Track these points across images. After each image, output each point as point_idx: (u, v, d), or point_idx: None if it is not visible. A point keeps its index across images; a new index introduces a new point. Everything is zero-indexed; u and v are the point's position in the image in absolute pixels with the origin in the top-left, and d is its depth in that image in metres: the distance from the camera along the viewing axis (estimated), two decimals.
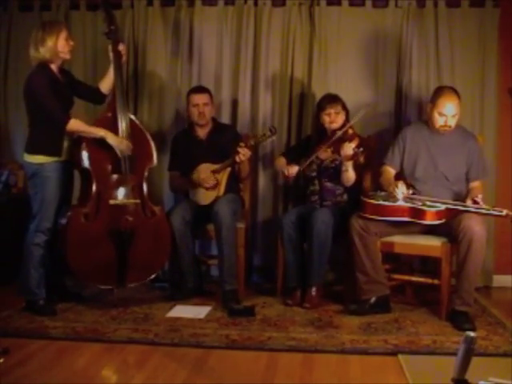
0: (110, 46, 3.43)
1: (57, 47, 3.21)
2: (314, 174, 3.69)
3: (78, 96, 3.49)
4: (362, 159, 3.40)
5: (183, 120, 4.10)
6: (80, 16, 4.16)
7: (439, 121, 3.31)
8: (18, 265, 3.29)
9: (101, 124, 3.34)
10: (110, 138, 3.27)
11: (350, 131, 3.45)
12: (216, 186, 3.65)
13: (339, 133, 3.46)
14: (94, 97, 3.55)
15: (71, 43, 3.30)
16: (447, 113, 3.28)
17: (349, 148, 3.36)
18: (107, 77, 3.47)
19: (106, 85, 3.48)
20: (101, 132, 3.26)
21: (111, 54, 3.42)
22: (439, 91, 3.36)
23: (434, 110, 3.32)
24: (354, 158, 3.38)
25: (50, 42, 3.19)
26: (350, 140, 3.38)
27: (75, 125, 3.20)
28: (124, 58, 3.50)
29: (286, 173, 3.61)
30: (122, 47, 3.45)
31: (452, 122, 3.31)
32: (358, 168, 3.51)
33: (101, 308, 3.35)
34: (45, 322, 3.09)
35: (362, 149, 3.34)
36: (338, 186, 3.63)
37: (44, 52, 3.19)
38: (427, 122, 3.45)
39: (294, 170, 3.60)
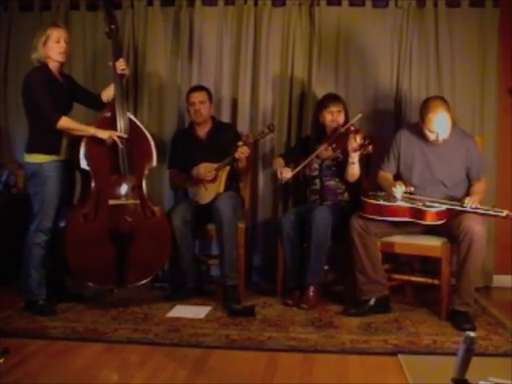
0: (110, 62, 3.42)
1: (47, 52, 3.22)
2: (316, 173, 3.69)
3: (77, 101, 3.50)
4: (370, 149, 3.33)
5: (183, 120, 4.11)
6: (80, 16, 4.16)
7: (431, 136, 3.26)
8: (18, 265, 3.29)
9: (100, 124, 3.34)
10: (101, 133, 3.26)
11: (353, 127, 3.44)
12: (215, 179, 3.65)
13: (341, 129, 3.45)
14: (93, 104, 3.54)
15: (63, 45, 3.26)
16: (437, 129, 3.22)
17: (355, 140, 3.34)
18: (109, 87, 3.45)
19: (106, 94, 3.48)
20: (91, 130, 3.26)
21: (111, 64, 3.41)
22: (426, 106, 3.25)
23: (423, 126, 3.26)
24: (361, 148, 3.33)
25: (40, 46, 3.21)
26: (355, 134, 3.37)
27: (66, 123, 3.19)
28: (127, 71, 3.46)
29: (279, 175, 3.61)
30: (121, 63, 3.40)
31: (444, 135, 3.25)
32: (362, 163, 3.48)
33: (101, 308, 3.35)
34: (45, 322, 3.09)
35: (368, 140, 3.32)
36: (340, 184, 3.63)
37: (36, 56, 3.22)
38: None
39: (287, 174, 3.59)
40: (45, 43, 3.22)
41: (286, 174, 3.60)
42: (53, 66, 3.27)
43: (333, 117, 3.58)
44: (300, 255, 3.54)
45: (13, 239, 3.48)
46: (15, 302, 3.33)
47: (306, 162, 3.56)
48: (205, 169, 3.65)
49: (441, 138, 3.25)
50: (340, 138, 3.45)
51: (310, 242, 3.42)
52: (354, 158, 3.42)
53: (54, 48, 3.24)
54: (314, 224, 3.39)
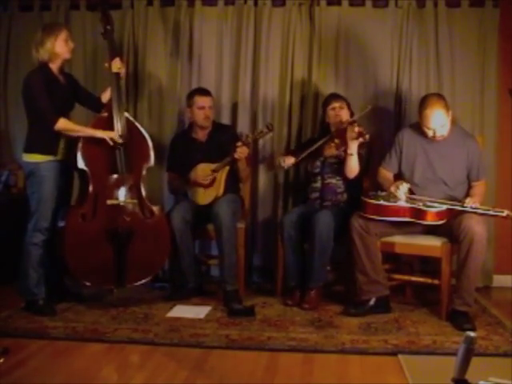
0: (106, 63, 3.43)
1: (55, 48, 3.22)
2: (317, 170, 3.69)
3: (78, 101, 3.50)
4: (367, 137, 3.38)
5: (183, 120, 4.10)
6: (80, 16, 4.17)
7: (429, 133, 3.27)
8: (17, 265, 3.29)
9: (98, 124, 3.34)
10: (99, 133, 3.27)
11: (353, 118, 3.53)
12: (213, 183, 3.65)
13: (343, 125, 3.50)
14: (93, 105, 3.55)
15: (71, 45, 3.31)
16: (434, 126, 3.23)
17: (353, 129, 3.37)
18: (108, 89, 3.46)
19: (105, 96, 3.49)
20: (88, 131, 3.27)
21: (107, 65, 3.42)
22: (423, 102, 3.26)
23: (421, 122, 3.28)
24: (359, 136, 3.36)
25: (48, 44, 3.21)
26: (353, 124, 3.42)
27: (63, 124, 3.19)
28: (123, 71, 3.47)
29: (282, 163, 3.67)
30: (117, 63, 3.41)
31: (443, 132, 3.26)
32: (363, 160, 3.51)
33: (101, 308, 3.36)
34: (45, 322, 3.09)
35: (366, 131, 3.38)
36: (340, 183, 3.62)
37: (43, 53, 3.22)
38: None
39: (289, 160, 3.66)
40: (54, 42, 3.22)
41: (289, 160, 3.66)
42: (55, 64, 3.27)
43: (335, 112, 3.62)
44: (301, 255, 3.54)
45: (13, 239, 3.47)
46: (15, 301, 3.33)
47: (311, 148, 3.58)
48: (202, 172, 3.65)
49: (438, 134, 3.26)
50: (341, 131, 3.49)
51: (314, 247, 3.41)
52: (353, 148, 3.43)
53: (63, 47, 3.25)
54: (317, 229, 3.38)
